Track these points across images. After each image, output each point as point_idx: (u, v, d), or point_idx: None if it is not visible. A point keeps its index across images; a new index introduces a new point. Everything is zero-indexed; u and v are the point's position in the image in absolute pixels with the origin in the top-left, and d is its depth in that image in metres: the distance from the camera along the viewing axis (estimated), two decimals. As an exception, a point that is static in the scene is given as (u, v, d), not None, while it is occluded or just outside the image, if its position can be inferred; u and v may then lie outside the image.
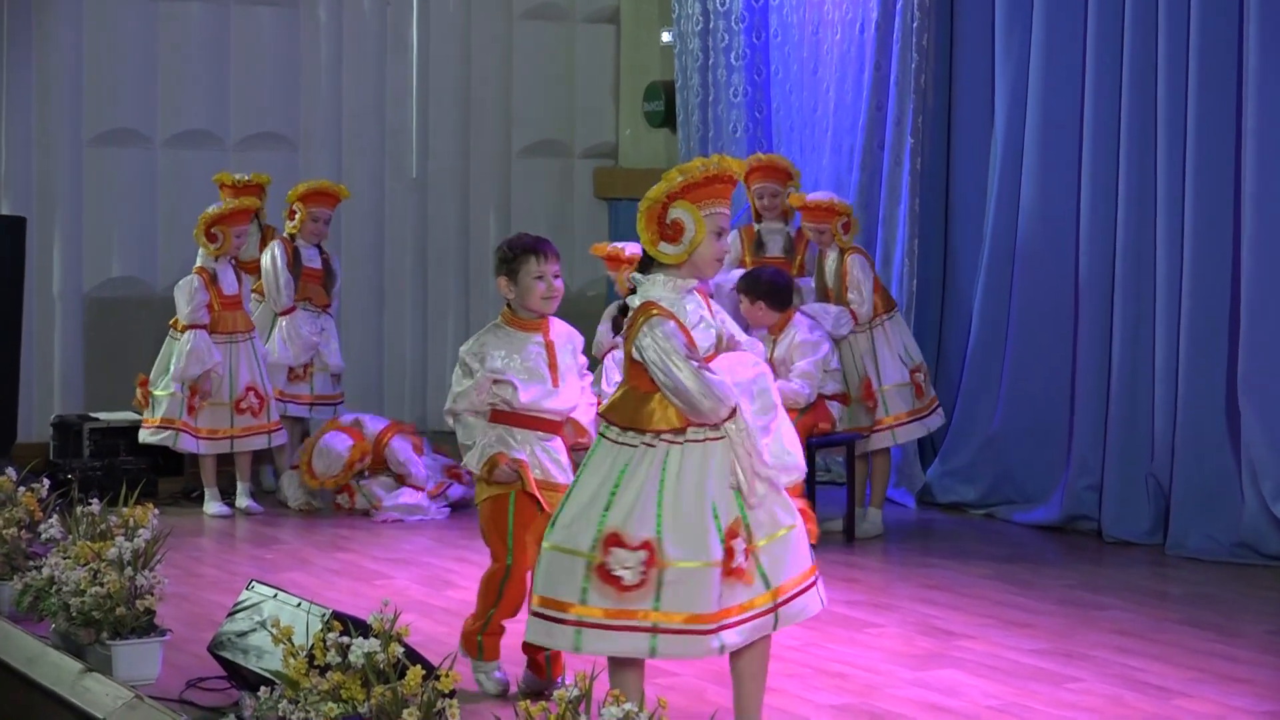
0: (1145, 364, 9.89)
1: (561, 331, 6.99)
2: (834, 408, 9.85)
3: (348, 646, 5.51)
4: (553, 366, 6.87)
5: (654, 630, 5.62)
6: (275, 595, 6.63)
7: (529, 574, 6.43)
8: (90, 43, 12.02)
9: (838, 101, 11.37)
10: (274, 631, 5.88)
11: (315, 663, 5.59)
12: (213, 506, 10.73)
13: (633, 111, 13.44)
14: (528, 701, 4.81)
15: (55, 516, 7.84)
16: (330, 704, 5.43)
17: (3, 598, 7.83)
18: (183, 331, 10.60)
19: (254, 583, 6.88)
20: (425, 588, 8.86)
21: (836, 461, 11.07)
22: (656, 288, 5.78)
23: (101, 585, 6.94)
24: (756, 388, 5.81)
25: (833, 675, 7.24)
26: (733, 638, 5.67)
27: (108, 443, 11.10)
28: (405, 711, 5.29)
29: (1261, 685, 7.07)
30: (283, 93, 12.61)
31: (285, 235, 11.22)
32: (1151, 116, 9.79)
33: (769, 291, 9.73)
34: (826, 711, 6.70)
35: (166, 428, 10.59)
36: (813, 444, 9.74)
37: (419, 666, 5.41)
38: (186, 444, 10.63)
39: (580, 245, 13.39)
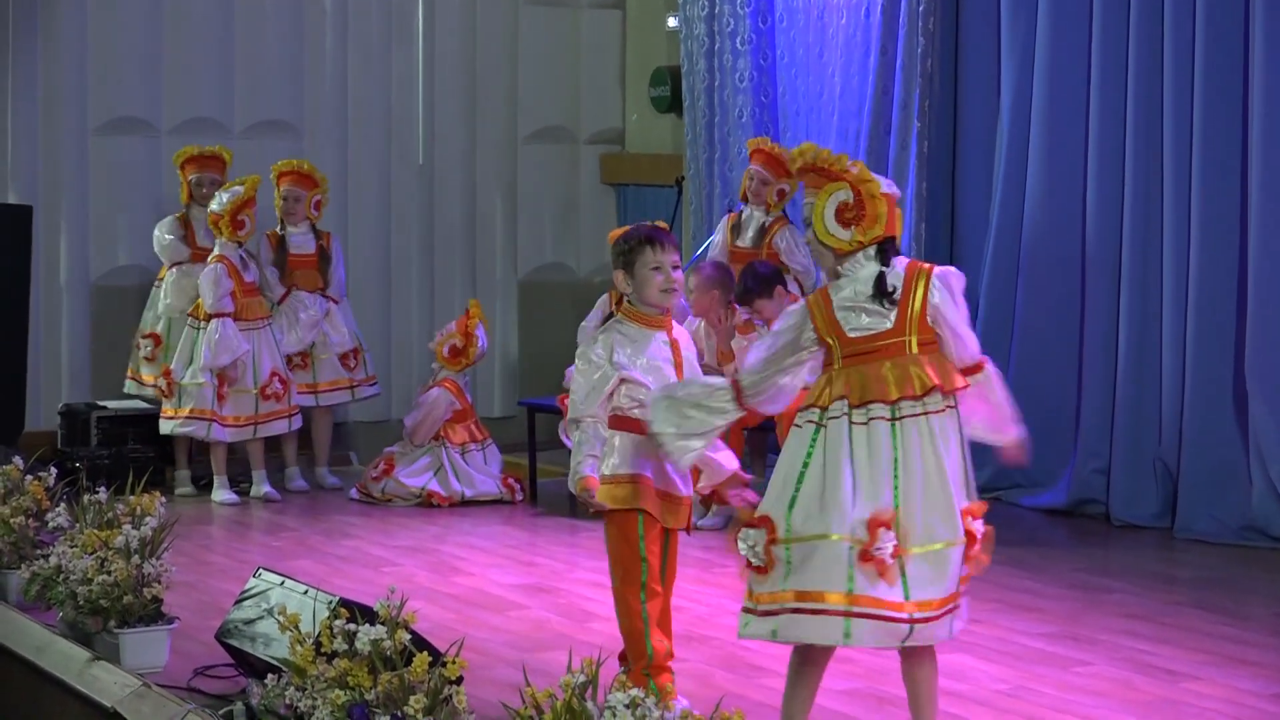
0: (1152, 347, 9.88)
1: (682, 330, 6.61)
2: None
3: (354, 633, 5.52)
4: (678, 366, 6.42)
5: (785, 611, 5.49)
6: (282, 583, 6.64)
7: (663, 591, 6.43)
8: (95, 31, 12.01)
9: (843, 86, 11.35)
10: (281, 619, 5.88)
11: (322, 650, 5.60)
12: (221, 494, 10.74)
13: (639, 97, 13.43)
14: (533, 687, 4.81)
15: (62, 505, 7.87)
16: (337, 691, 5.44)
17: (10, 586, 7.85)
18: (207, 320, 10.61)
19: (261, 570, 6.89)
20: (433, 574, 8.87)
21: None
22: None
23: (109, 573, 6.96)
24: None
25: (841, 660, 7.18)
26: (864, 632, 5.42)
27: (115, 431, 11.12)
28: (412, 698, 5.30)
29: (1269, 668, 7.08)
30: (288, 80, 12.60)
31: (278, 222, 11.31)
32: (1158, 100, 9.78)
33: (779, 277, 9.74)
34: (835, 696, 6.69)
35: (197, 419, 10.60)
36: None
37: (426, 653, 5.42)
38: (219, 434, 10.68)
39: (587, 231, 13.43)
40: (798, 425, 5.62)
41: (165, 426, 10.73)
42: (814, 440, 5.54)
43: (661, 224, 6.81)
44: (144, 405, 11.10)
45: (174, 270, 10.95)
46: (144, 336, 11.16)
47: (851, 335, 5.57)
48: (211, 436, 10.68)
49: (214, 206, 10.69)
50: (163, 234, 11.03)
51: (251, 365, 10.74)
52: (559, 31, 13.44)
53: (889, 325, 5.57)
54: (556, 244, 13.48)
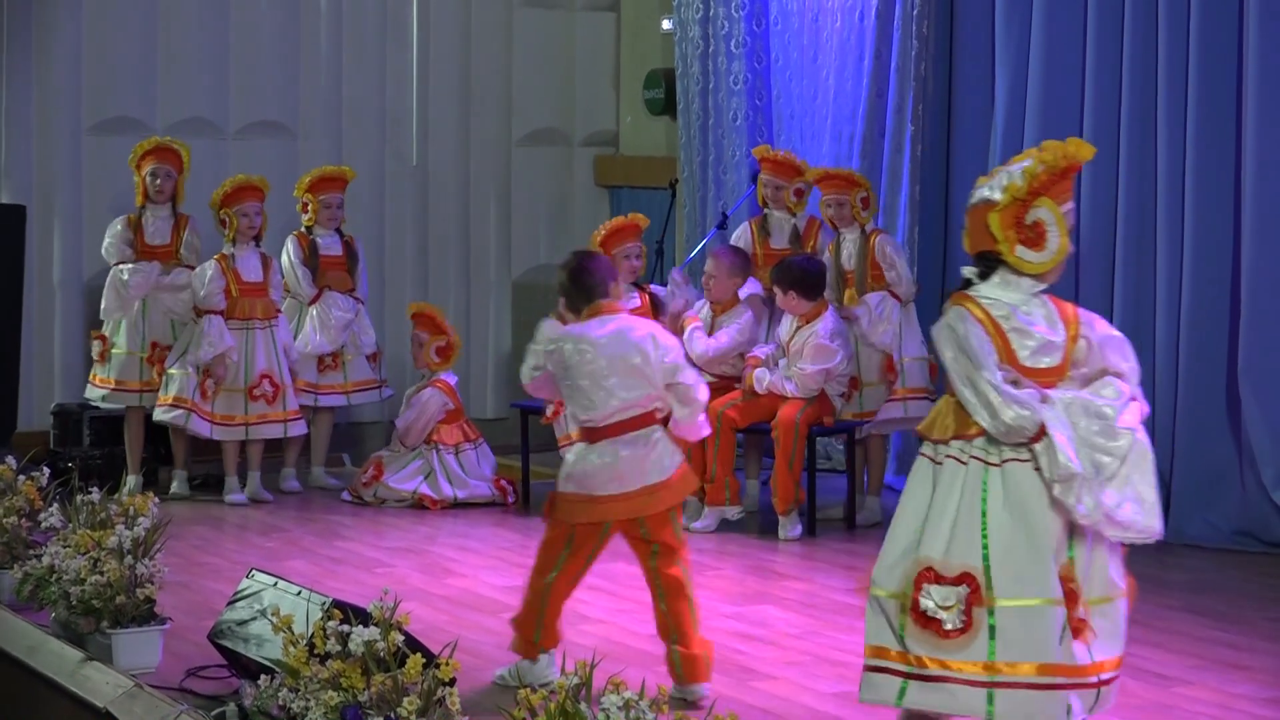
0: (1145, 350, 9.86)
1: None
2: (836, 401, 9.86)
3: (348, 635, 5.51)
4: None
5: (991, 684, 4.96)
6: (275, 584, 6.64)
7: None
8: (90, 30, 12.00)
9: (838, 89, 11.36)
10: (274, 620, 5.87)
11: (315, 651, 5.59)
12: (232, 495, 10.73)
13: (633, 99, 13.42)
14: (528, 690, 4.81)
15: (55, 505, 7.86)
16: (330, 692, 5.43)
17: (3, 586, 7.83)
18: (199, 316, 10.60)
19: (254, 571, 6.89)
20: (426, 576, 8.86)
21: (836, 449, 11.06)
22: (988, 286, 5.19)
23: (101, 574, 6.95)
24: (1097, 420, 5.06)
25: (834, 663, 7.23)
26: (1077, 704, 4.99)
27: (108, 431, 11.08)
28: (405, 700, 5.29)
29: (1263, 672, 7.08)
30: (283, 81, 12.59)
31: (302, 228, 11.24)
32: (1152, 105, 9.80)
33: (799, 279, 9.74)
34: (828, 699, 6.70)
35: (179, 406, 10.57)
36: (814, 433, 9.77)
37: (419, 655, 5.41)
38: (199, 426, 10.63)
39: (580, 233, 13.38)
40: (958, 460, 5.11)
41: (156, 413, 10.70)
42: (986, 482, 5.06)
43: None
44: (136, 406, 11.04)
45: (123, 270, 10.79)
46: (94, 337, 11.06)
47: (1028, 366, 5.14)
48: (190, 426, 10.64)
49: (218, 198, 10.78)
50: (109, 232, 10.90)
51: (243, 364, 10.70)
52: (553, 33, 13.44)
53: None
54: (550, 245, 13.46)
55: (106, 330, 10.85)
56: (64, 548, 7.25)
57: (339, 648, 5.51)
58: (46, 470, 8.44)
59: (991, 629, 4.90)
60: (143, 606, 6.94)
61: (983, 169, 10.82)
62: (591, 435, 6.73)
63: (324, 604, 6.05)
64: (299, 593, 6.44)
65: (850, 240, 10.07)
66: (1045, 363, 5.05)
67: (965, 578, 4.93)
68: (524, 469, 10.93)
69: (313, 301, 11.10)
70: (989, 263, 5.18)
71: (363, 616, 5.65)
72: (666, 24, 12.91)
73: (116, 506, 7.32)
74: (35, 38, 11.90)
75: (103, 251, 10.89)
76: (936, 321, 9.88)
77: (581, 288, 6.85)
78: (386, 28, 12.89)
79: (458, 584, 8.69)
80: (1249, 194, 9.36)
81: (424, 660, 5.38)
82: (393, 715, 5.28)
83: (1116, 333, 5.30)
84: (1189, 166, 9.57)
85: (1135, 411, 5.09)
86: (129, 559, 6.98)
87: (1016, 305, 5.11)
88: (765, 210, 10.58)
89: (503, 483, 10.87)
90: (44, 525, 7.81)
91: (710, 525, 9.78)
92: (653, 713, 4.56)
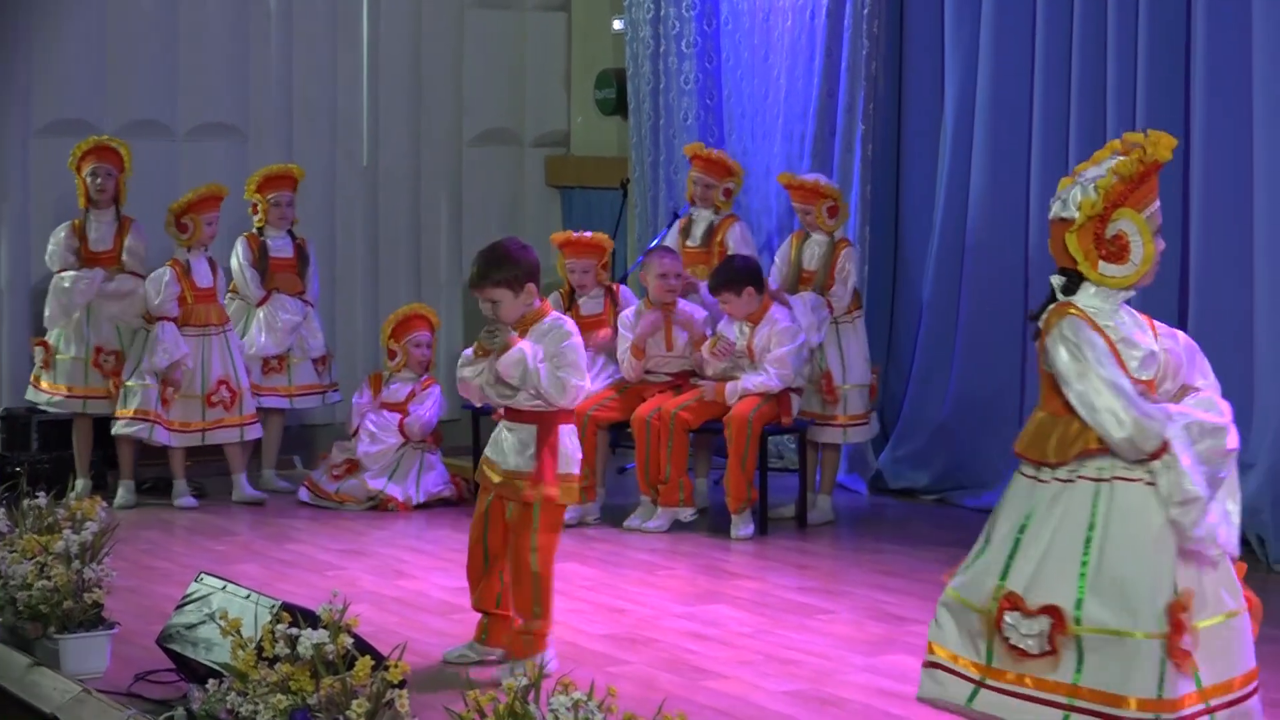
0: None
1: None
2: (794, 398, 9.86)
3: (296, 638, 5.50)
4: None
5: (1071, 707, 4.77)
6: (224, 587, 6.61)
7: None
8: (37, 31, 11.95)
9: (789, 88, 11.38)
10: (222, 624, 5.86)
11: (264, 654, 5.58)
12: (182, 499, 10.69)
13: (584, 99, 13.42)
14: (477, 691, 4.80)
15: (2, 509, 7.78)
16: (279, 696, 5.41)
17: (-51, 592, 7.78)
18: (151, 323, 10.54)
19: (203, 575, 6.86)
20: (377, 578, 8.83)
21: (789, 448, 11.06)
22: (1085, 296, 4.95)
23: (49, 579, 6.91)
24: (1208, 439, 4.86)
25: (785, 662, 7.24)
26: None
27: (56, 435, 11.01)
28: (354, 703, 5.27)
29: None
30: (232, 82, 12.55)
31: (253, 229, 11.16)
32: (1101, 101, 9.83)
33: (752, 276, 9.74)
34: (779, 698, 6.70)
35: (141, 420, 10.51)
36: (767, 432, 9.78)
37: (368, 657, 5.40)
38: (161, 436, 10.57)
39: (532, 234, 13.34)
40: (1065, 480, 4.91)
41: (115, 427, 10.61)
42: (1096, 502, 4.85)
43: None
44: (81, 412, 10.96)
45: (64, 276, 10.71)
46: (36, 343, 10.98)
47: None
48: (154, 439, 10.59)
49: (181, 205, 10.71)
50: (53, 239, 10.80)
51: (200, 371, 10.65)
52: (504, 34, 13.43)
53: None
54: (502, 246, 13.44)
55: (50, 337, 10.77)
56: (10, 552, 7.20)
57: (288, 651, 5.49)
58: (-9, 476, 8.42)
59: (1080, 655, 4.75)
60: (90, 611, 6.90)
61: (933, 167, 10.92)
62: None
63: (273, 607, 6.04)
64: (248, 596, 6.41)
65: (817, 243, 10.07)
66: (1146, 375, 4.88)
67: (1049, 610, 4.77)
68: (474, 468, 10.86)
69: (260, 303, 11.04)
70: (1074, 275, 4.97)
71: (312, 619, 5.64)
72: (617, 24, 12.92)
73: (64, 511, 7.28)
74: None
75: (46, 259, 10.81)
76: (883, 326, 10.00)
77: None
78: (336, 27, 12.87)
79: (409, 586, 8.67)
80: (1196, 191, 9.39)
81: (373, 662, 5.37)
82: (342, 718, 5.26)
83: (1193, 344, 5.13)
84: (1140, 122, 9.58)
85: (1235, 431, 4.95)
86: (76, 564, 6.95)
87: (1114, 315, 4.93)
88: (691, 207, 10.67)
89: (458, 480, 10.85)
90: (-9, 531, 7.76)
91: (663, 525, 9.78)
92: (601, 713, 4.55)
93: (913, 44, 11.13)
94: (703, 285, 10.11)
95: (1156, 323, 5.05)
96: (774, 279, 10.17)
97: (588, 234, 10.57)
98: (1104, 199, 4.82)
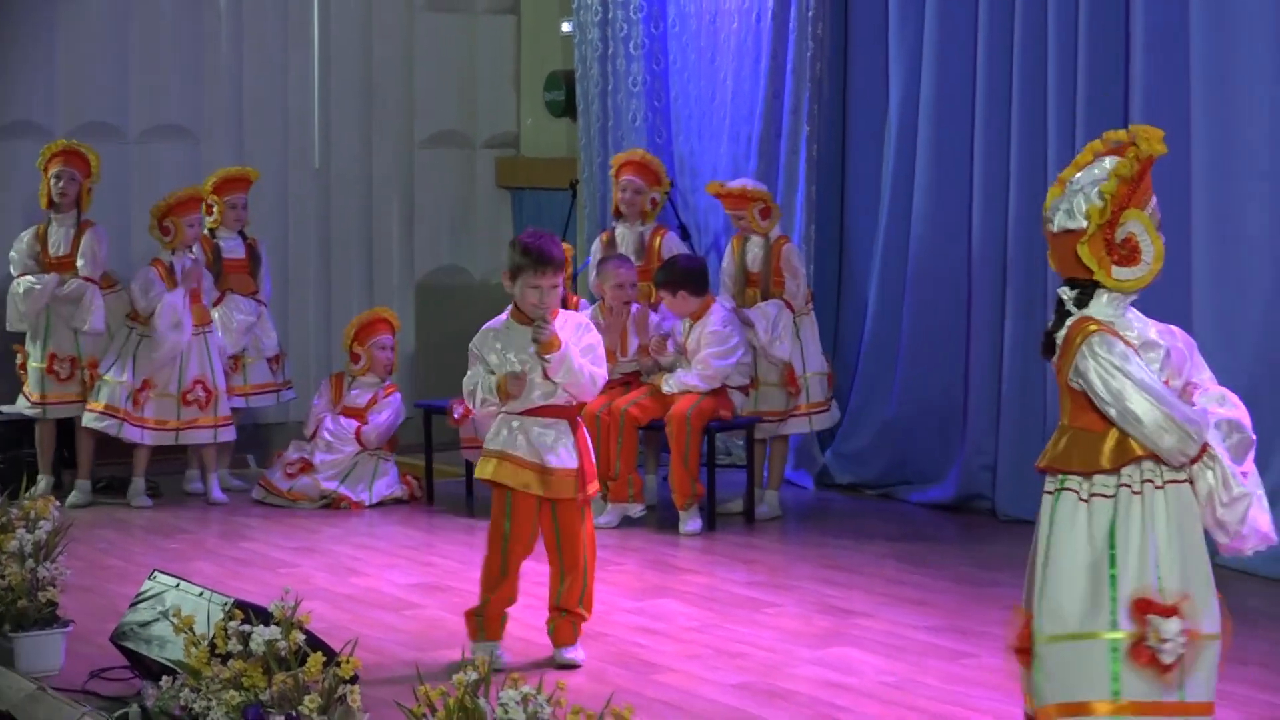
0: (1035, 353, 9.93)
1: (566, 321, 7.05)
2: (736, 396, 9.90)
3: (249, 635, 5.49)
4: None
5: None
6: (178, 585, 6.61)
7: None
8: (-6, 33, 11.96)
9: (735, 90, 11.40)
10: (175, 621, 5.85)
11: (217, 651, 5.56)
12: (138, 498, 10.68)
13: (534, 101, 13.43)
14: (427, 686, 4.80)
15: (-42, 509, 7.78)
16: (232, 692, 5.41)
17: (-93, 591, 7.76)
18: (141, 323, 10.56)
19: (157, 573, 6.85)
20: (330, 575, 8.84)
21: (737, 445, 11.10)
22: (1098, 306, 4.82)
23: (3, 577, 6.90)
24: (1235, 434, 4.80)
25: (733, 655, 7.27)
26: None
27: (11, 436, 10.98)
28: (306, 698, 5.28)
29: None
30: (184, 84, 12.53)
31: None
32: (1041, 102, 9.86)
33: (687, 278, 9.79)
34: (727, 691, 6.73)
35: (110, 415, 10.49)
36: (713, 428, 9.81)
37: (320, 653, 5.39)
38: (131, 433, 10.57)
39: (482, 234, 13.44)
40: (1103, 495, 4.75)
41: (85, 418, 10.59)
42: (1148, 509, 4.71)
43: (563, 245, 7.20)
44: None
45: (19, 280, 10.67)
46: (16, 350, 10.92)
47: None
48: (124, 435, 10.57)
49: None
50: (16, 244, 10.76)
51: (177, 370, 10.63)
52: (454, 37, 13.43)
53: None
54: (453, 247, 13.47)
55: (27, 344, 10.75)
56: (-36, 552, 7.20)
57: (240, 647, 5.49)
58: (-50, 476, 8.40)
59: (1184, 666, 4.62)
60: (45, 609, 6.88)
61: (877, 169, 10.95)
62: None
63: (225, 604, 6.03)
64: (201, 593, 6.41)
65: (756, 244, 10.11)
66: (1164, 376, 4.79)
67: (1182, 606, 4.61)
68: (427, 467, 10.91)
69: (215, 304, 11.01)
70: (1086, 285, 4.83)
71: (264, 616, 5.63)
72: (566, 27, 12.94)
73: (18, 510, 7.26)
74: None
75: (9, 264, 10.77)
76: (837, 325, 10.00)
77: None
78: (287, 30, 12.85)
79: (361, 582, 8.68)
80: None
81: (325, 659, 5.37)
82: (294, 713, 5.27)
83: (1191, 340, 5.03)
84: (1080, 134, 9.59)
85: (1249, 423, 4.86)
86: (30, 562, 6.93)
87: (1128, 320, 4.83)
88: (616, 218, 10.70)
89: (409, 478, 10.87)
90: (-52, 529, 7.74)
91: (613, 521, 9.80)
92: (550, 707, 4.58)
93: (857, 46, 11.16)
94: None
95: (1153, 321, 4.98)
96: (722, 285, 10.24)
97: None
98: (1111, 203, 4.70)
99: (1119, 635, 4.62)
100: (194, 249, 10.74)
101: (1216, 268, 8.95)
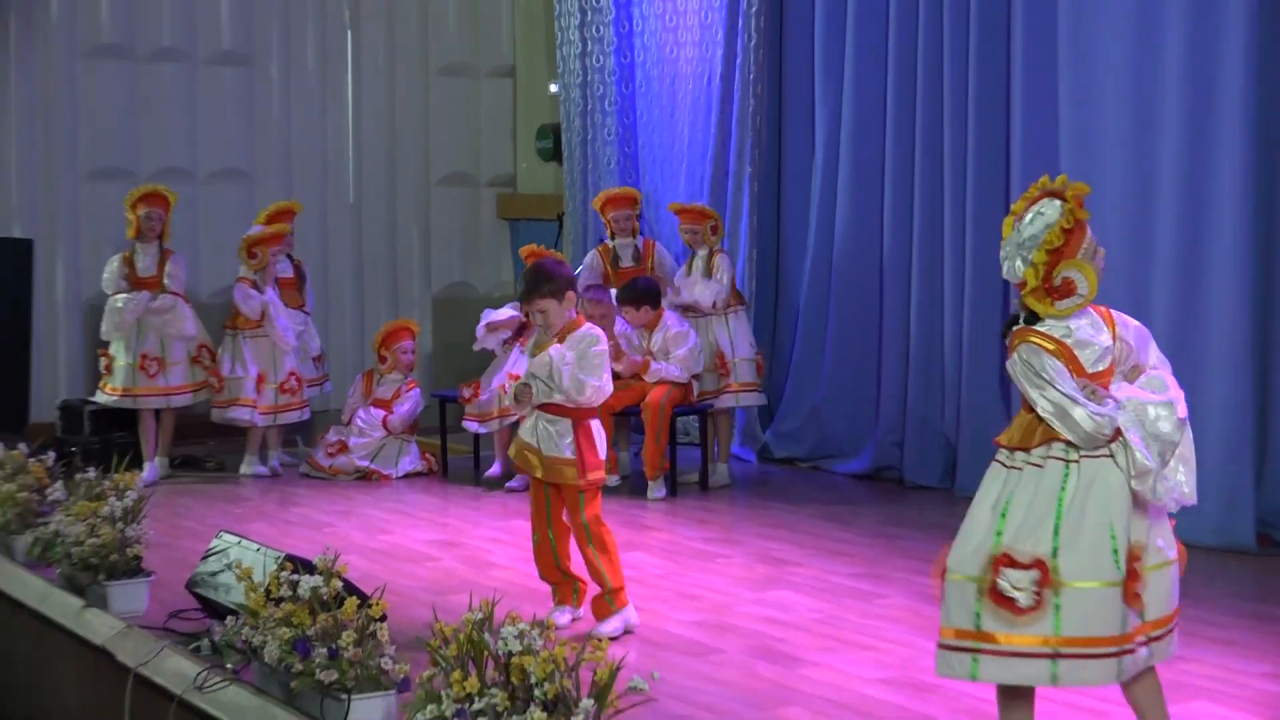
0: (937, 347, 9.97)
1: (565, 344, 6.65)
2: (695, 385, 9.91)
3: (297, 582, 5.48)
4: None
5: (1055, 656, 4.55)
6: (239, 542, 6.61)
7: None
8: (84, 95, 11.89)
9: (690, 139, 11.40)
10: (237, 571, 5.84)
11: (271, 596, 5.56)
12: (253, 467, 10.70)
13: (527, 148, 13.41)
14: (442, 623, 4.78)
15: (60, 482, 7.78)
16: (283, 629, 5.40)
17: (17, 548, 7.74)
18: (239, 326, 10.59)
19: (222, 533, 6.85)
20: (363, 534, 8.82)
21: (694, 427, 11.09)
22: (1043, 324, 4.70)
23: (98, 537, 6.90)
24: (1166, 414, 4.67)
25: (691, 597, 7.27)
26: (1130, 664, 4.60)
27: (105, 422, 10.95)
28: (344, 634, 5.26)
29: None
30: (242, 135, 12.51)
31: None
32: (939, 143, 9.87)
33: (647, 296, 9.80)
34: (687, 626, 6.74)
35: (241, 405, 10.55)
36: (676, 413, 9.81)
37: (355, 598, 5.39)
38: (251, 418, 10.60)
39: (486, 257, 13.43)
40: (1035, 464, 4.67)
41: (216, 415, 10.64)
42: (1065, 479, 4.64)
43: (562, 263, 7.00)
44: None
45: (114, 297, 10.58)
46: (100, 354, 10.90)
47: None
48: (252, 421, 10.59)
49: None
50: (108, 268, 10.69)
51: (273, 366, 10.65)
52: (462, 96, 13.41)
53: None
54: (462, 267, 13.45)
55: (111, 349, 10.70)
56: (67, 516, 7.18)
57: (290, 593, 5.48)
58: (52, 454, 8.36)
59: (1057, 608, 4.54)
60: (131, 562, 6.89)
61: (806, 201, 10.96)
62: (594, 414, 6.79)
63: (278, 558, 6.04)
64: (258, 549, 6.41)
65: (701, 258, 10.14)
66: (1102, 365, 4.69)
67: (1037, 563, 4.55)
68: (442, 447, 10.89)
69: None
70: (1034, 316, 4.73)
71: (309, 567, 5.63)
72: (553, 88, 12.93)
73: (109, 482, 7.25)
74: (40, 99, 11.80)
75: (103, 284, 10.69)
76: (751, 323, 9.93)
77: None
78: (326, 91, 12.84)
79: (389, 539, 8.66)
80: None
81: (359, 602, 5.36)
82: (334, 646, 5.26)
83: (1144, 328, 4.91)
84: (969, 198, 9.64)
85: (1183, 402, 4.76)
86: (119, 524, 6.93)
87: (1073, 323, 4.70)
88: (612, 239, 10.60)
89: (427, 455, 10.85)
90: (50, 498, 7.71)
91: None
92: (541, 640, 4.57)
93: (789, 102, 11.16)
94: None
95: (1114, 312, 4.83)
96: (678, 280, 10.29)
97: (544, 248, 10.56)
98: (1042, 268, 4.62)
99: (984, 579, 4.59)
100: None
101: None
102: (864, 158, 10.44)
